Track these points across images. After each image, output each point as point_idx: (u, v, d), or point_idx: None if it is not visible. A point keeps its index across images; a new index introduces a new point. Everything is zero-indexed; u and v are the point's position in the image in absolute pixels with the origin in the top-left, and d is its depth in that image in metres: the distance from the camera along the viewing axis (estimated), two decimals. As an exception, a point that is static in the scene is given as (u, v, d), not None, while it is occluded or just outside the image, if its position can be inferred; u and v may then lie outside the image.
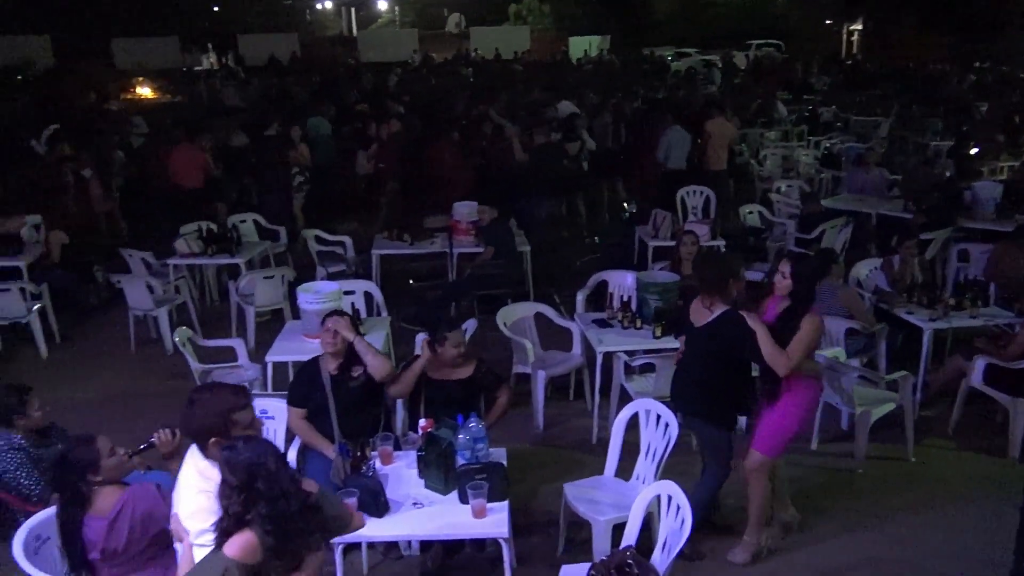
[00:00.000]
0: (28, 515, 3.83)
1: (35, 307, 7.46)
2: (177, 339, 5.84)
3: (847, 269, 7.11)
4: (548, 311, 6.38)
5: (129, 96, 25.43)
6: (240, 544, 2.58)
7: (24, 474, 4.10)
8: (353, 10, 53.73)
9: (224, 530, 2.62)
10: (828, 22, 40.51)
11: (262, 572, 2.60)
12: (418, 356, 4.67)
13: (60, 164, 11.03)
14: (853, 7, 37.99)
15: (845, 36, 40.55)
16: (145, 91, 26.42)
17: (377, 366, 4.44)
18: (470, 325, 5.87)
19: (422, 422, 4.29)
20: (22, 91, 23.28)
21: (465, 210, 8.40)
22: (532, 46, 36.14)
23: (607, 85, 19.47)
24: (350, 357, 4.50)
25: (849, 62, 30.33)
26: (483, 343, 6.24)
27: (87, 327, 8.19)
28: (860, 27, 39.46)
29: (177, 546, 3.07)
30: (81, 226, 9.66)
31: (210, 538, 2.70)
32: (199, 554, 2.82)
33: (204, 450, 3.05)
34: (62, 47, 33.31)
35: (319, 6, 53.72)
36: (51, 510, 3.56)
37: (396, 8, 54.11)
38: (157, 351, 7.53)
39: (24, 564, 3.33)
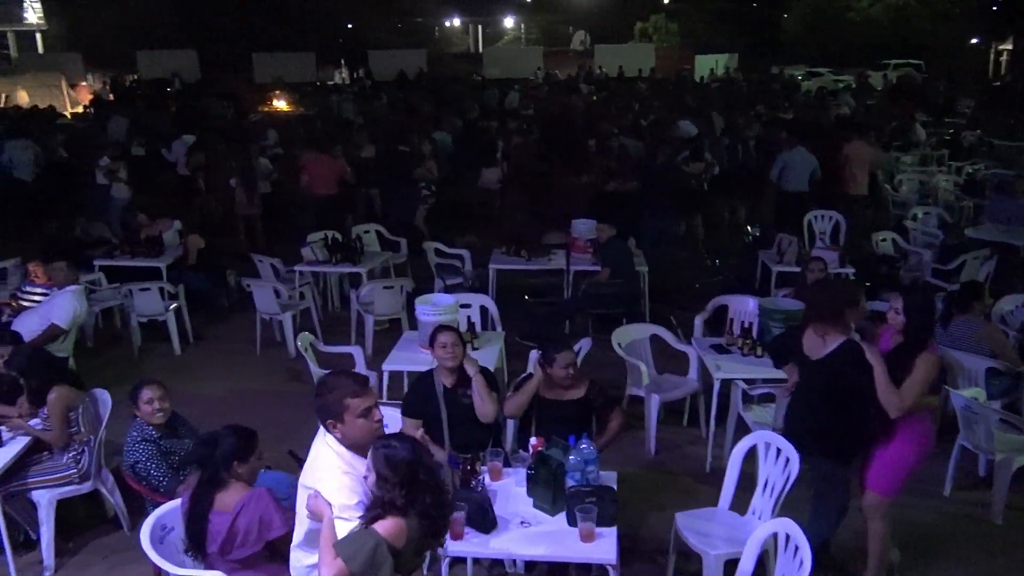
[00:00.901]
0: (156, 505, 4.03)
1: (172, 306, 7.89)
2: (299, 344, 6.03)
3: (990, 304, 6.66)
4: (664, 333, 6.25)
5: (265, 108, 26.67)
6: (392, 527, 2.82)
7: (154, 465, 4.30)
8: (480, 27, 54.81)
9: (377, 514, 2.85)
10: (974, 41, 38.42)
11: (399, 557, 2.82)
12: (531, 375, 4.65)
13: (196, 172, 11.70)
14: (1002, 25, 35.89)
15: (992, 56, 38.33)
16: (280, 103, 27.66)
17: (484, 411, 4.43)
18: (584, 344, 5.82)
19: (533, 440, 4.25)
20: (170, 101, 24.80)
21: (583, 227, 8.36)
22: (657, 64, 35.83)
23: (731, 104, 19.06)
24: (464, 373, 4.52)
25: (997, 83, 28.63)
26: (597, 363, 6.16)
27: (218, 327, 8.59)
28: (1010, 47, 37.22)
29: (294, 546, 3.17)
30: (219, 231, 10.20)
31: (355, 514, 2.93)
32: (341, 526, 2.95)
33: (330, 432, 3.16)
34: (208, 60, 35.41)
35: (448, 23, 55.05)
36: (177, 501, 3.73)
37: (522, 26, 54.83)
38: (281, 353, 7.81)
39: (149, 551, 3.49)
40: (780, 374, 5.29)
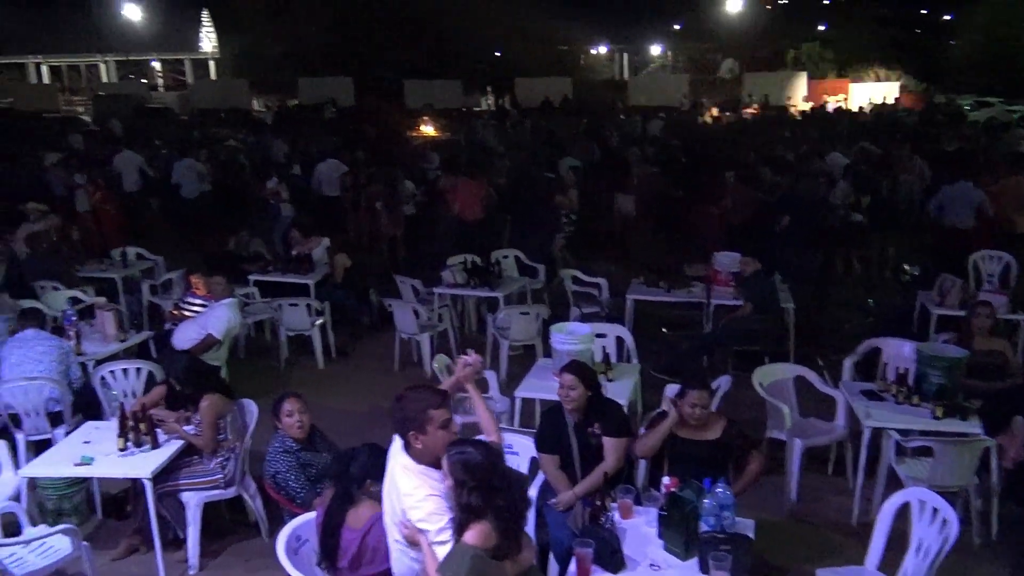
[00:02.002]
0: (293, 515, 4.16)
1: (317, 322, 8.21)
2: (435, 365, 6.11)
3: None
4: (810, 375, 5.93)
5: (415, 133, 27.59)
6: (478, 533, 2.91)
7: (292, 477, 4.45)
8: (626, 55, 54.80)
9: (460, 524, 2.94)
10: None
11: (498, 554, 2.92)
12: (664, 413, 4.51)
13: (345, 193, 12.18)
14: None
15: None
16: (428, 129, 28.55)
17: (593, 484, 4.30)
18: (723, 382, 5.61)
19: (666, 480, 4.11)
20: (326, 127, 26.08)
21: (726, 260, 8.12)
22: (809, 93, 34.65)
23: (888, 135, 18.14)
24: (589, 412, 4.44)
25: None
26: (736, 403, 5.92)
27: (359, 344, 8.86)
28: None
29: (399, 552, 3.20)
30: (365, 250, 10.58)
31: (448, 535, 3.01)
32: (440, 551, 3.01)
33: (408, 448, 3.19)
34: (363, 87, 37.09)
35: (594, 51, 55.36)
36: (312, 514, 3.83)
37: (669, 53, 54.42)
38: (418, 373, 7.96)
39: (284, 561, 3.60)
40: (940, 427, 4.93)
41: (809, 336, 8.25)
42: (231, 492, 4.93)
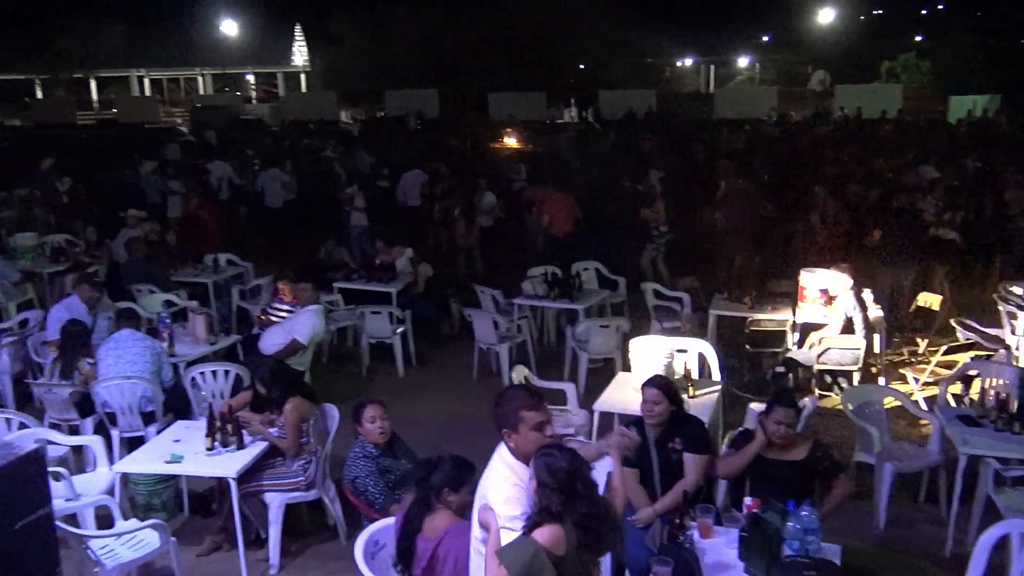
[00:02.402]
0: (371, 520, 4.20)
1: (399, 330, 8.32)
2: (514, 375, 6.12)
3: None
4: (902, 397, 5.71)
5: (498, 145, 27.79)
6: (550, 534, 2.88)
7: (372, 482, 4.50)
8: (712, 67, 54.12)
9: (534, 523, 2.93)
10: None
11: (561, 565, 2.86)
12: (746, 431, 4.40)
13: (430, 204, 12.32)
14: None
15: None
16: (512, 141, 28.71)
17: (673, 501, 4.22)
18: (809, 403, 5.44)
19: (747, 500, 4.00)
20: (411, 138, 26.54)
21: (814, 277, 7.89)
22: (904, 105, 33.50)
23: (988, 150, 17.38)
24: (671, 427, 4.36)
25: None
26: (823, 424, 5.74)
27: (439, 353, 8.93)
28: None
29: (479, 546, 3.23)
30: (444, 260, 10.70)
31: (519, 524, 3.00)
32: (505, 536, 3.02)
33: (505, 444, 3.24)
34: (447, 99, 37.62)
35: (679, 63, 54.87)
36: (390, 519, 3.87)
37: (757, 65, 53.51)
38: (496, 383, 7.96)
39: (361, 565, 3.64)
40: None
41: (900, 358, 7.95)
42: (312, 495, 5.03)
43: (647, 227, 10.88)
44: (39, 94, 53.52)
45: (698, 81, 55.15)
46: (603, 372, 7.54)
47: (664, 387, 4.41)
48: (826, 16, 44.49)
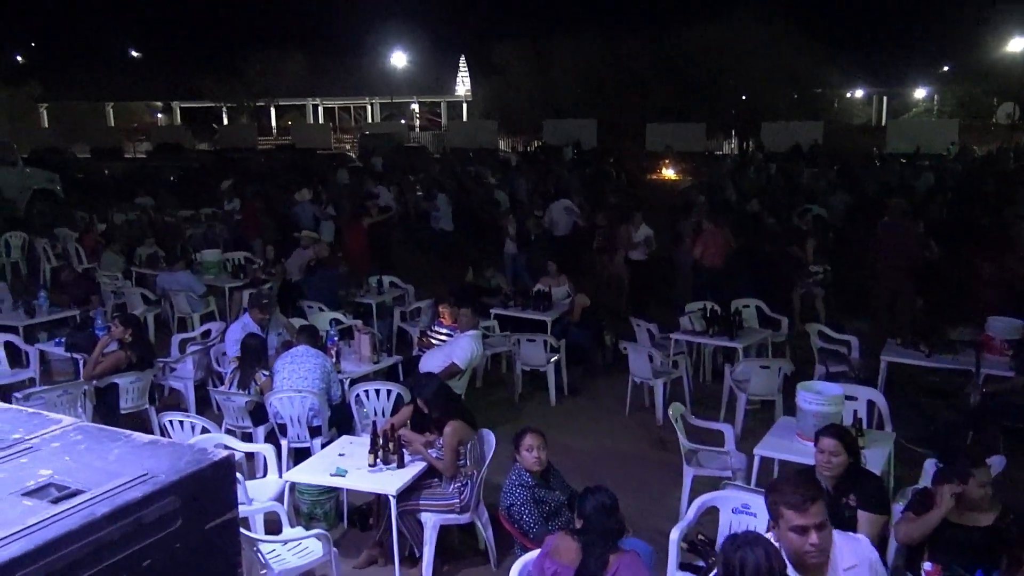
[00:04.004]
0: (524, 549, 4.22)
1: (553, 359, 8.34)
2: (671, 412, 6.00)
3: None
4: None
5: (654, 176, 27.58)
6: None
7: (527, 511, 4.52)
8: (885, 99, 51.60)
9: None
10: None
11: None
12: (926, 491, 4.09)
13: (589, 233, 12.30)
14: None
15: None
16: (669, 172, 28.43)
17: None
18: (996, 462, 5.01)
19: (927, 566, 3.72)
20: (568, 167, 26.77)
21: (1002, 326, 7.31)
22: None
23: None
24: (844, 481, 4.13)
25: None
26: (1010, 488, 5.27)
27: (591, 384, 8.89)
28: None
29: None
30: (598, 291, 10.68)
31: None
32: None
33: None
34: (605, 129, 37.76)
35: (849, 95, 52.65)
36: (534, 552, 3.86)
37: (935, 97, 50.56)
38: (648, 418, 7.85)
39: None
40: None
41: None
42: (465, 518, 5.10)
43: (800, 265, 10.48)
44: (225, 120, 58.01)
45: (869, 113, 52.73)
46: (762, 414, 7.30)
47: (843, 437, 4.19)
48: (1017, 45, 41.43)
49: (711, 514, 4.63)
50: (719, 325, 8.28)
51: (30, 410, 2.41)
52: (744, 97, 42.17)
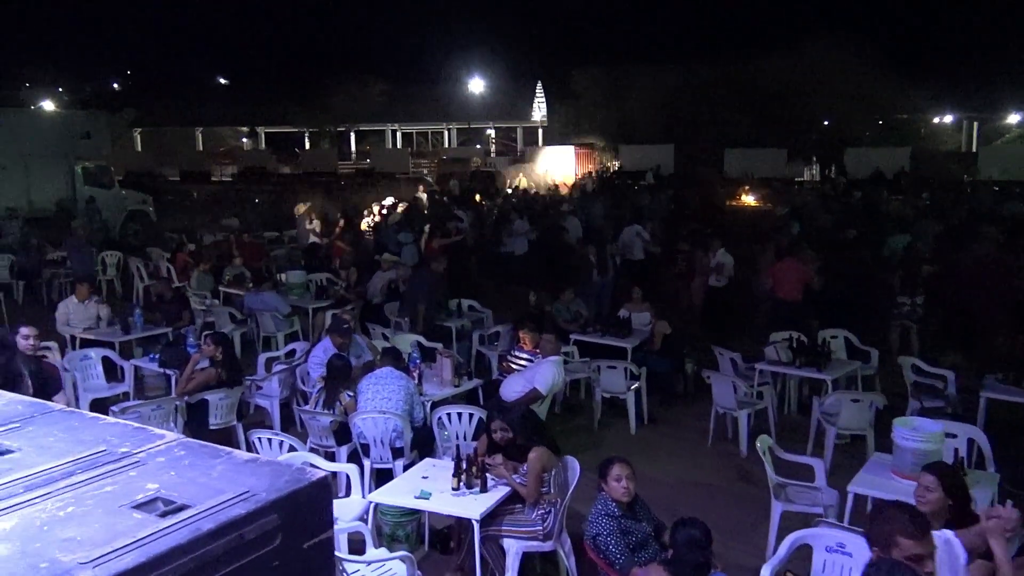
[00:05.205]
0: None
1: (633, 386, 8.23)
2: (759, 445, 5.82)
3: None
4: None
5: (734, 202, 27.16)
6: None
7: (613, 542, 4.42)
8: (976, 124, 49.84)
9: None
10: None
11: None
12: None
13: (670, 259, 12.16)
14: None
15: None
16: (749, 199, 27.96)
17: None
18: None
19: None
20: (645, 193, 26.61)
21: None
22: None
23: None
24: (947, 524, 3.92)
25: None
26: None
27: (671, 413, 8.74)
28: None
29: None
30: (676, 318, 10.52)
31: None
32: None
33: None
34: (683, 155, 37.49)
35: (937, 120, 51.02)
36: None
37: (1030, 122, 48.58)
38: (731, 450, 7.66)
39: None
40: None
41: None
42: (549, 546, 5.03)
43: (890, 296, 10.12)
44: (307, 145, 59.62)
45: (959, 139, 50.97)
46: (851, 449, 7.06)
47: (943, 475, 4.02)
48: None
49: (801, 551, 4.46)
50: (806, 356, 8.04)
51: (135, 424, 2.47)
52: (826, 123, 41.35)
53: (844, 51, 37.74)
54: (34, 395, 4.99)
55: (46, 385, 5.79)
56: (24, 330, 5.92)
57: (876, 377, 8.72)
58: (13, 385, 4.98)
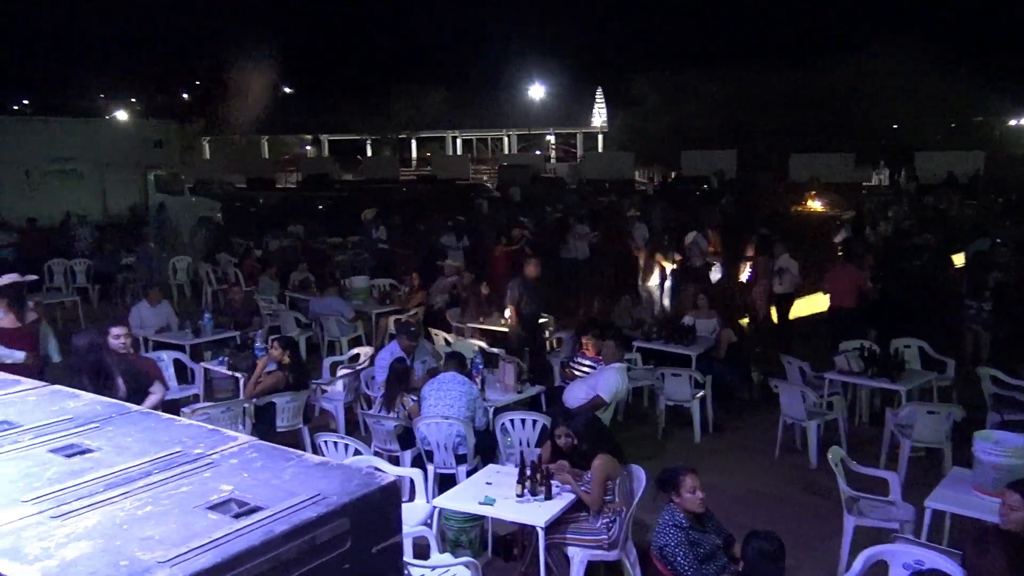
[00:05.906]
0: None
1: (698, 395, 8.09)
2: (830, 456, 5.66)
3: None
4: None
5: (799, 208, 26.61)
6: None
7: (681, 553, 4.33)
8: (1055, 127, 47.97)
9: None
10: None
11: None
12: None
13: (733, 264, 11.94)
14: None
15: None
16: (816, 204, 27.37)
17: None
18: None
19: None
20: (707, 198, 26.26)
21: None
22: None
23: None
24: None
25: None
26: None
27: (738, 422, 8.57)
28: None
29: None
30: (740, 325, 10.33)
31: None
32: None
33: None
34: (746, 160, 36.87)
35: (1013, 122, 49.25)
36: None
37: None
38: (800, 461, 7.47)
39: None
40: None
41: None
42: (613, 555, 4.96)
43: (958, 301, 9.77)
44: (369, 152, 60.46)
45: (1037, 142, 49.09)
46: (926, 463, 6.82)
47: None
48: None
49: (876, 568, 4.31)
50: (878, 366, 7.80)
51: (208, 427, 2.50)
52: (895, 126, 40.29)
53: (912, 53, 36.75)
54: (128, 393, 5.11)
55: (138, 379, 5.77)
56: (115, 330, 6.05)
57: (952, 388, 8.41)
58: (104, 385, 5.06)
